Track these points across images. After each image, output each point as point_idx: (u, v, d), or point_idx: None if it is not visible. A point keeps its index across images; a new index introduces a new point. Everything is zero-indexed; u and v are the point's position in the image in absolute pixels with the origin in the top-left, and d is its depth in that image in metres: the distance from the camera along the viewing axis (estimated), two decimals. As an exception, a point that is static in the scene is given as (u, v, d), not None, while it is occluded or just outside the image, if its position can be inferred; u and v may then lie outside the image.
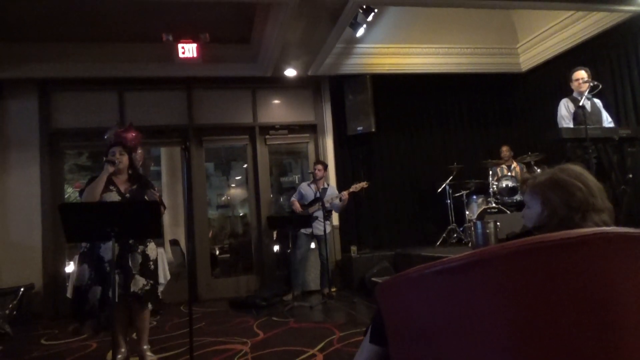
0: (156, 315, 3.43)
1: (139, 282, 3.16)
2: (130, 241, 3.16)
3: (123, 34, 5.67)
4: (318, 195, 5.72)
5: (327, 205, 5.71)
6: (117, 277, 3.07)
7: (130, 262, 3.15)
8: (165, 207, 3.52)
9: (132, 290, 3.12)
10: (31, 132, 5.86)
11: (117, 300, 3.05)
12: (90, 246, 3.20)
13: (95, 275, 3.14)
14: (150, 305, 3.26)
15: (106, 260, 3.12)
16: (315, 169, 5.83)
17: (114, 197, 3.20)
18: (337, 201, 5.74)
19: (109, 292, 3.04)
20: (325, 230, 5.57)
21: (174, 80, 6.25)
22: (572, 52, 6.22)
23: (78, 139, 6.19)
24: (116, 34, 5.66)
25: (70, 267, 5.31)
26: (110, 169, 3.20)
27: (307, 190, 5.85)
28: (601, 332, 1.05)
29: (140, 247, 3.21)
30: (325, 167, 5.95)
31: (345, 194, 5.71)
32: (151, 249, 3.30)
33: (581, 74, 4.52)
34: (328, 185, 5.97)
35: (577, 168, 1.49)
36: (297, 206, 5.76)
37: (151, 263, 3.26)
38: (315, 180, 5.81)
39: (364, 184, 5.83)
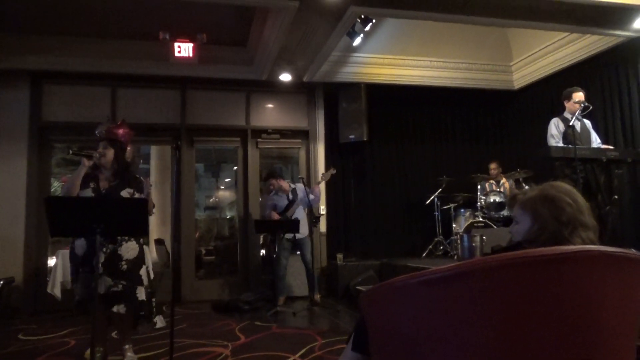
0: (137, 323, 3.31)
1: (104, 284, 3.05)
2: (99, 240, 2.95)
3: (119, 30, 5.64)
4: (290, 197, 5.71)
5: (303, 204, 5.70)
6: (85, 277, 3.05)
7: (93, 262, 3.01)
8: (154, 205, 3.47)
9: (98, 291, 3.00)
10: (21, 123, 5.79)
11: (77, 299, 3.05)
12: (71, 244, 3.17)
13: (74, 273, 3.13)
14: (123, 308, 3.11)
15: (80, 259, 3.09)
16: (272, 185, 5.72)
17: (88, 194, 3.11)
18: (311, 196, 5.68)
19: (81, 290, 3.05)
20: (297, 235, 5.50)
21: (168, 79, 6.23)
22: (564, 73, 6.31)
23: (68, 132, 6.13)
24: (112, 30, 5.63)
25: (52, 262, 5.24)
26: (87, 163, 3.10)
27: (278, 199, 5.76)
28: (581, 348, 1.06)
29: (110, 247, 3.09)
30: (274, 175, 5.81)
31: (316, 187, 5.71)
32: (127, 248, 3.15)
33: (582, 96, 4.53)
34: (293, 185, 5.87)
35: (566, 185, 1.53)
36: (275, 217, 5.66)
37: (123, 263, 3.12)
38: (279, 190, 5.75)
39: (332, 171, 5.83)
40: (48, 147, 6.10)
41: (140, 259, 3.26)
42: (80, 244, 3.07)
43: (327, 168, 6.72)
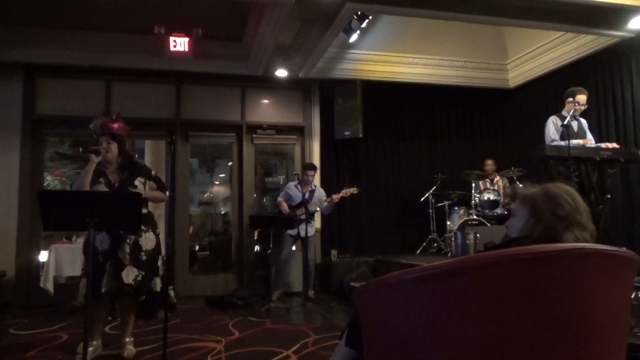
0: (153, 315, 3.32)
1: (132, 274, 3.13)
2: (122, 231, 3.12)
3: (114, 24, 5.60)
4: (306, 197, 5.74)
5: (315, 208, 5.75)
6: (107, 268, 3.10)
7: (119, 253, 3.13)
8: (167, 189, 3.49)
9: (125, 282, 3.10)
10: (13, 117, 5.74)
11: (104, 291, 3.08)
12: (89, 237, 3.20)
13: (88, 267, 3.14)
14: (143, 298, 3.20)
15: (101, 251, 3.13)
16: (308, 175, 5.79)
17: (102, 189, 3.18)
18: (325, 204, 5.75)
19: (100, 283, 3.07)
20: (307, 232, 5.59)
21: (163, 74, 6.19)
22: (559, 72, 6.33)
23: (61, 126, 6.09)
24: (107, 24, 5.59)
25: (44, 256, 5.21)
26: (95, 159, 3.14)
27: (295, 191, 5.81)
28: (573, 344, 1.06)
29: (132, 237, 3.18)
30: (316, 170, 5.99)
31: (336, 197, 5.74)
32: (145, 239, 3.25)
33: (583, 98, 4.54)
34: (315, 187, 5.94)
35: (569, 187, 1.59)
36: (284, 207, 5.72)
37: (143, 254, 3.21)
38: (304, 183, 5.80)
39: (353, 190, 5.83)
40: (41, 140, 6.05)
41: (157, 250, 3.34)
42: (103, 238, 3.11)
43: (322, 165, 6.74)
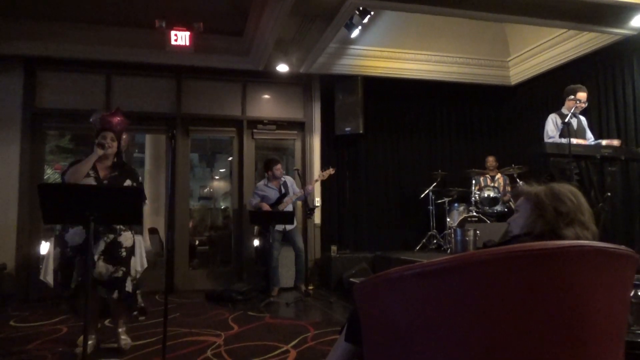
0: (131, 313, 3.36)
1: (102, 269, 3.11)
2: (100, 228, 3.10)
3: (115, 17, 5.59)
4: (283, 191, 5.76)
5: (295, 199, 5.79)
6: (77, 263, 3.09)
7: (94, 250, 3.08)
8: (145, 198, 3.47)
9: (95, 277, 3.08)
10: (14, 110, 5.73)
11: (73, 286, 3.07)
12: (60, 230, 3.20)
13: (60, 260, 3.14)
14: (115, 294, 3.15)
15: (69, 245, 3.11)
16: (277, 170, 5.78)
17: (90, 182, 3.17)
18: (309, 188, 5.81)
19: (71, 277, 3.07)
20: (290, 225, 5.62)
21: (164, 68, 6.18)
22: (561, 70, 6.32)
23: (62, 120, 6.09)
24: (108, 17, 5.58)
25: (44, 249, 5.23)
26: (100, 152, 3.16)
27: (268, 190, 5.79)
28: (571, 341, 1.07)
29: (110, 236, 3.17)
30: (281, 162, 6.03)
31: (312, 184, 5.86)
32: (125, 237, 3.25)
33: (583, 96, 4.54)
34: (284, 179, 5.90)
35: (574, 188, 1.61)
36: (267, 208, 5.65)
37: (122, 250, 3.20)
38: (274, 179, 5.80)
39: (331, 171, 5.87)
40: (41, 134, 6.04)
41: (133, 249, 3.33)
42: (77, 231, 3.08)
43: (322, 160, 6.72)
